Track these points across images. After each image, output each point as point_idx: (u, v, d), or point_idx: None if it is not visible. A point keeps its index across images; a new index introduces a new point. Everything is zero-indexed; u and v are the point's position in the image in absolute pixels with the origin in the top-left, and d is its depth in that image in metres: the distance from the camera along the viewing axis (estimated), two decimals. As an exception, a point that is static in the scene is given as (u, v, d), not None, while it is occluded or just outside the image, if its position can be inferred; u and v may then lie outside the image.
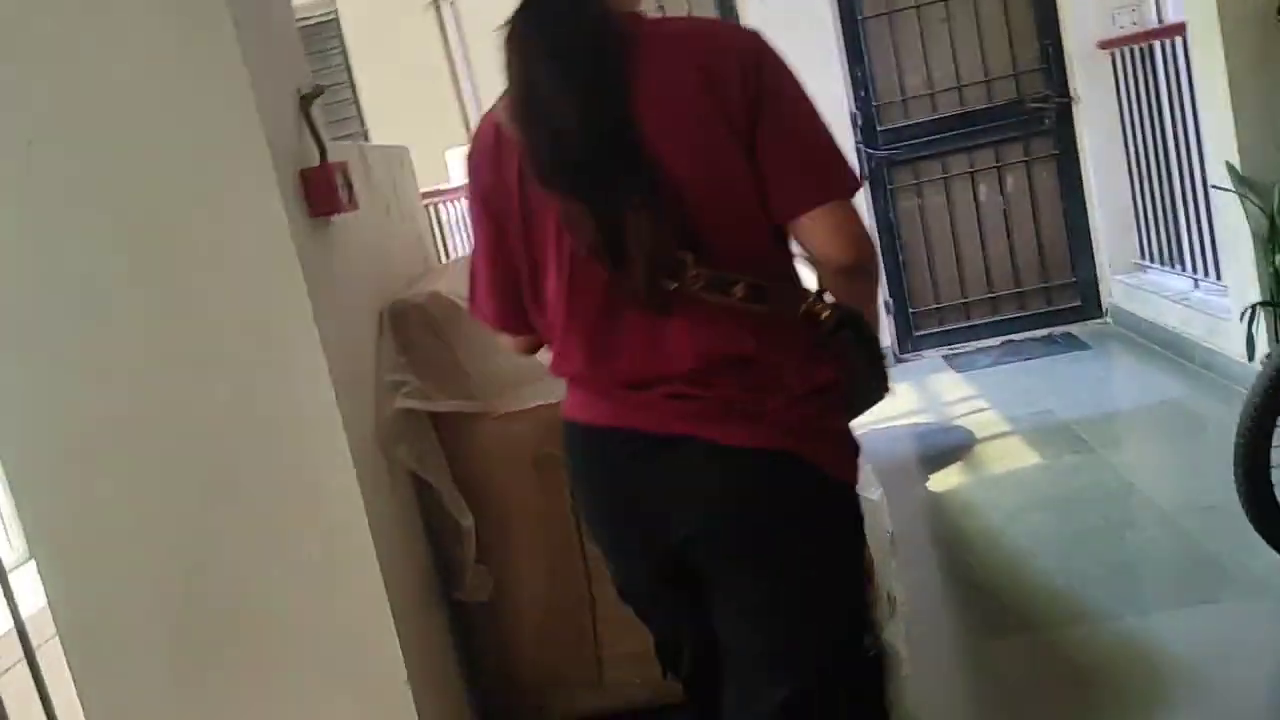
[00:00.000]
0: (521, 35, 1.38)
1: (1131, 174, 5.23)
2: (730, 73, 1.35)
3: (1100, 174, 5.33)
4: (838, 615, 1.49)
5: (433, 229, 3.76)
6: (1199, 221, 4.58)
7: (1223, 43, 3.72)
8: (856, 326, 1.39)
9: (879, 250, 1.50)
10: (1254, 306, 3.80)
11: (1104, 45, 5.19)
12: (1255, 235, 3.75)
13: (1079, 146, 5.37)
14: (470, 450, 2.59)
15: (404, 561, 2.46)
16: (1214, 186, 3.82)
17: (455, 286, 2.69)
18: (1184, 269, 4.89)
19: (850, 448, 1.49)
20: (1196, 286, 4.78)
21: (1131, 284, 5.26)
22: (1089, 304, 5.54)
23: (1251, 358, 3.89)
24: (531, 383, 2.56)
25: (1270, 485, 2.53)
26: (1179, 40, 4.40)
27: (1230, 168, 3.80)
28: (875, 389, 1.45)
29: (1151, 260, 5.19)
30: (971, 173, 5.54)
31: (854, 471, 1.50)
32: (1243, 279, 3.94)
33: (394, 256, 2.83)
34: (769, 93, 1.36)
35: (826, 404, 1.43)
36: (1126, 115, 5.16)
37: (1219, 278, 4.47)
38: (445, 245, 3.87)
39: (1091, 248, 5.43)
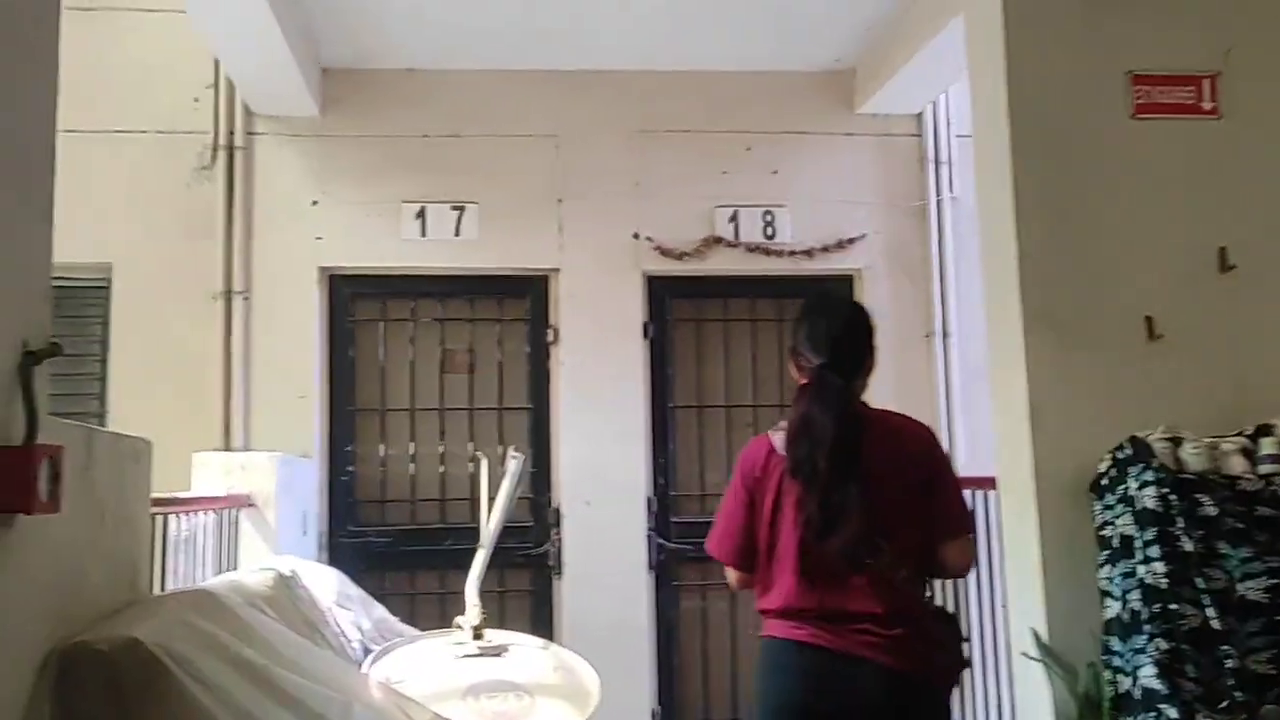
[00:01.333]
0: (813, 394, 2.40)
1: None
2: (922, 452, 2.47)
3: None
4: None
5: (154, 546, 3.02)
6: (993, 685, 4.40)
7: (1037, 509, 3.67)
8: (949, 619, 2.56)
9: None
10: (1055, 794, 3.51)
11: (900, 483, 5.21)
12: (1060, 714, 3.52)
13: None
14: None
15: None
16: (1023, 654, 3.63)
17: (167, 633, 2.01)
18: (965, 730, 4.65)
19: (951, 677, 2.46)
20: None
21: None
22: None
23: None
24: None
25: None
26: (985, 493, 4.42)
27: (1036, 636, 3.63)
28: (958, 657, 2.49)
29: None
30: (758, 585, 5.28)
31: (952, 688, 2.45)
32: (1040, 759, 3.67)
33: (91, 580, 2.13)
34: (939, 470, 2.48)
35: (939, 650, 2.40)
36: (916, 556, 5.10)
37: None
38: (164, 570, 3.11)
39: None
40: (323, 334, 5.15)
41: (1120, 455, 3.56)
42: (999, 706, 4.33)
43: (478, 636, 3.65)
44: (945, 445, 5.20)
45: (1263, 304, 3.78)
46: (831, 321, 2.54)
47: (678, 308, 5.40)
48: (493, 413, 5.26)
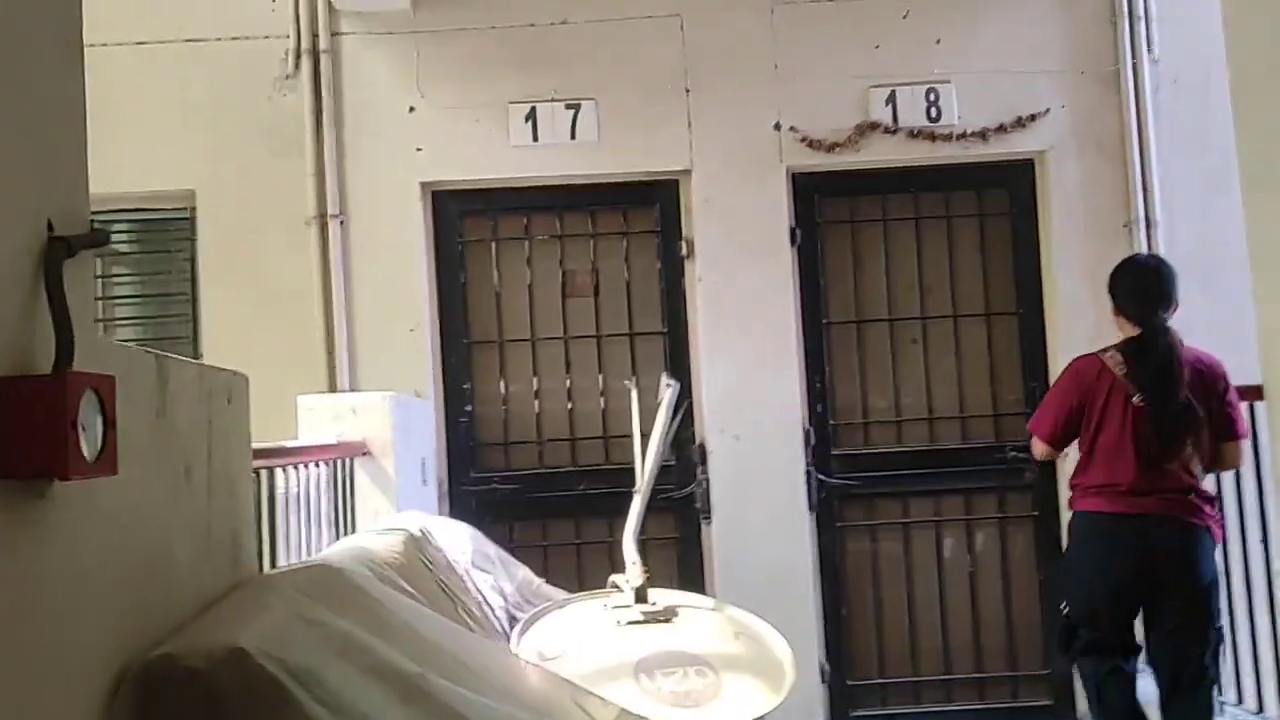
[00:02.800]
0: (1148, 338, 3.28)
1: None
2: (1218, 377, 3.31)
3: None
4: (1215, 613, 3.31)
5: (259, 507, 2.47)
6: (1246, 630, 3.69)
7: (1333, 418, 2.92)
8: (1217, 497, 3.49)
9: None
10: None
11: (1099, 399, 4.46)
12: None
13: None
14: None
15: None
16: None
17: (283, 637, 1.44)
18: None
19: (1217, 528, 3.34)
20: (1222, 711, 3.82)
21: (1121, 689, 4.25)
22: (1062, 705, 4.50)
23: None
24: None
25: None
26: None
27: (1336, 579, 2.91)
28: (1220, 522, 3.42)
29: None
30: (936, 522, 4.62)
31: (1218, 537, 3.35)
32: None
33: (177, 561, 1.56)
34: (1228, 390, 3.31)
35: (1215, 509, 3.34)
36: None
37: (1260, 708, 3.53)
38: (273, 536, 2.56)
39: (1070, 635, 4.42)
40: (429, 258, 4.57)
41: None
42: (1256, 651, 3.62)
43: (640, 599, 3.06)
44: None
45: None
46: (1147, 278, 3.44)
47: (829, 208, 4.68)
48: (623, 339, 4.64)
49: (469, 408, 4.58)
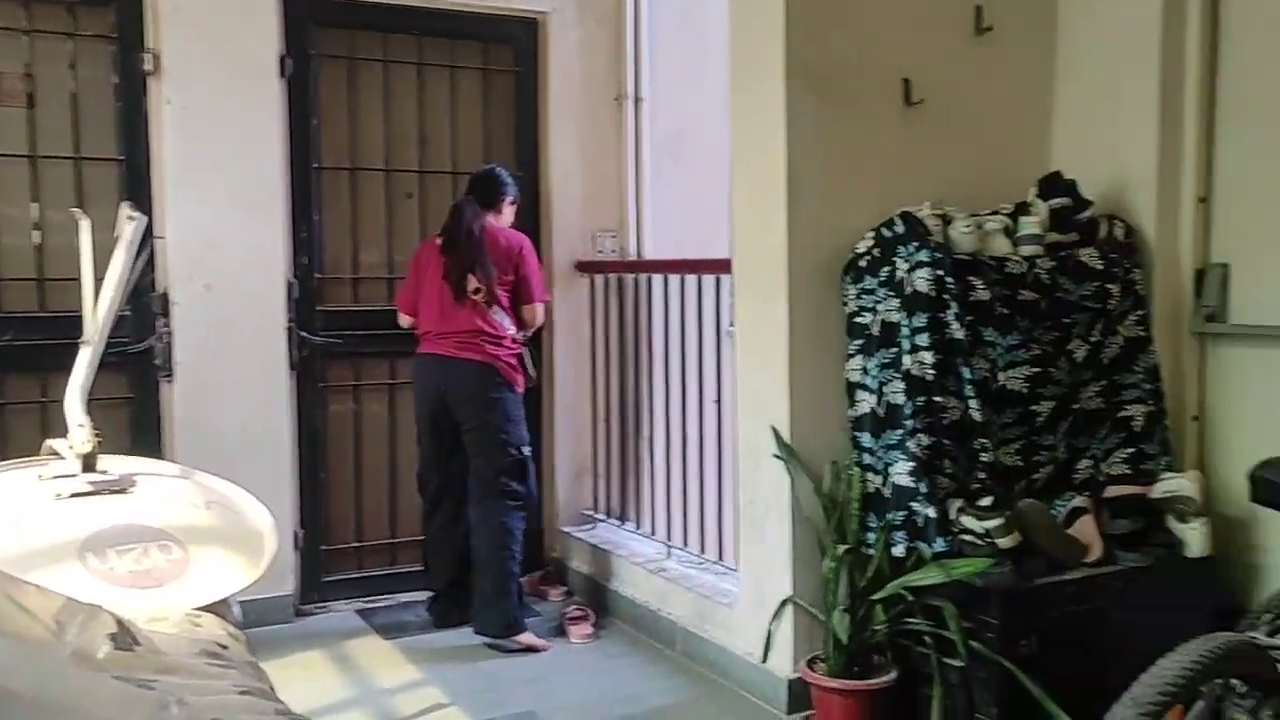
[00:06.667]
0: (457, 213, 3.98)
1: (596, 415, 4.64)
2: (516, 249, 4.03)
3: (566, 411, 4.65)
4: (507, 436, 3.97)
5: None
6: (680, 481, 4.06)
7: (788, 296, 3.23)
8: (530, 346, 4.16)
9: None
10: (785, 603, 3.26)
11: (582, 268, 4.62)
12: (806, 520, 3.22)
13: (542, 377, 4.60)
14: None
15: None
16: (775, 456, 3.24)
17: None
18: (652, 532, 4.32)
19: (515, 373, 4.01)
20: (669, 555, 4.21)
21: (586, 540, 4.54)
22: (529, 558, 4.69)
23: (765, 660, 3.32)
24: None
25: None
26: (699, 278, 3.96)
27: (777, 435, 3.26)
28: (534, 375, 4.13)
29: (611, 515, 4.56)
30: (421, 384, 4.51)
31: (517, 380, 4.02)
32: (766, 566, 3.38)
33: None
34: (526, 262, 4.04)
35: (512, 354, 4.00)
36: (601, 350, 4.60)
37: (716, 555, 3.94)
38: None
39: (541, 493, 4.56)
40: None
41: (888, 233, 3.18)
42: (703, 512, 4.01)
43: (89, 467, 2.60)
44: (631, 222, 4.70)
45: (1016, 65, 3.53)
46: (476, 175, 4.12)
47: (325, 40, 4.24)
48: (65, 164, 3.88)
49: None
